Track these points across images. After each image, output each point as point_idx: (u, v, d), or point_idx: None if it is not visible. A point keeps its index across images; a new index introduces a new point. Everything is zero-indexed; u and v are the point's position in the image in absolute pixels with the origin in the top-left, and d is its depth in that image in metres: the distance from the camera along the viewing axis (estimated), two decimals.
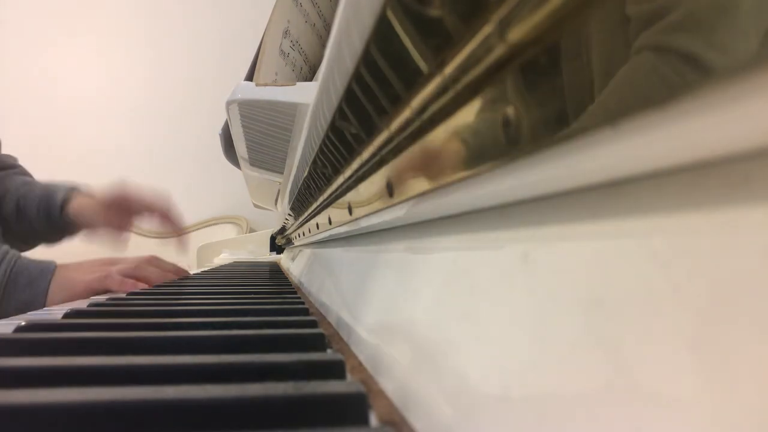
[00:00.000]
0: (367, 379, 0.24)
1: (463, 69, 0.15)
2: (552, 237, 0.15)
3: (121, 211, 0.94)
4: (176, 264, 0.85)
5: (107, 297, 0.55)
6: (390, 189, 0.25)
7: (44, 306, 0.73)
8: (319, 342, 0.29)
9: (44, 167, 2.44)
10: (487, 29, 0.13)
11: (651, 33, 0.09)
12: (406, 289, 0.26)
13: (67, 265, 0.77)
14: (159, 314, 0.41)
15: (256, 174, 0.88)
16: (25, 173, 1.03)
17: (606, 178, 0.12)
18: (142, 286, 0.73)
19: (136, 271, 0.75)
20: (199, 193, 2.68)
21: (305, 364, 0.23)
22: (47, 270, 0.74)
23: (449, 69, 0.15)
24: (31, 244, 1.01)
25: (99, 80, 2.68)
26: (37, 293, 0.73)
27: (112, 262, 0.78)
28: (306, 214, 0.63)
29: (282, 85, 0.61)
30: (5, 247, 0.75)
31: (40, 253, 0.89)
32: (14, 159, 1.02)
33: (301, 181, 0.53)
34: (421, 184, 0.21)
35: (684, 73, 0.08)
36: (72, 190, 0.99)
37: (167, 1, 2.67)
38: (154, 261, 0.79)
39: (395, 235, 0.32)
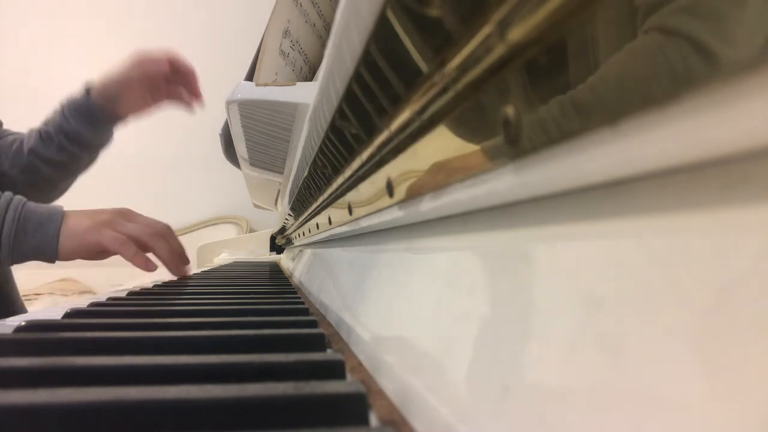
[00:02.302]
0: (367, 379, 0.24)
1: (463, 69, 0.15)
2: (552, 237, 0.15)
3: (146, 82, 0.90)
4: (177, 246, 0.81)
5: (107, 297, 0.55)
6: (390, 189, 0.25)
7: (56, 251, 0.70)
8: (319, 342, 0.29)
9: None
10: (487, 29, 0.13)
11: (651, 32, 0.09)
12: (406, 289, 0.26)
13: (78, 212, 0.74)
14: (159, 314, 0.41)
15: (256, 174, 0.88)
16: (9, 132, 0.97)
17: (606, 178, 0.12)
18: (152, 267, 0.72)
19: (150, 239, 0.73)
20: (199, 193, 2.68)
21: (305, 364, 0.23)
22: (56, 213, 0.71)
23: (449, 69, 0.15)
24: (56, 185, 0.94)
25: None
26: (47, 238, 0.70)
27: (128, 216, 0.75)
28: (306, 214, 0.63)
29: (282, 85, 0.61)
30: (7, 193, 0.71)
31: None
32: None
33: (301, 181, 0.53)
34: (420, 184, 0.21)
35: (685, 72, 0.08)
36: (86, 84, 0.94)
37: (167, 2, 2.67)
38: (167, 234, 0.77)
39: (395, 235, 0.32)
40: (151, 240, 0.73)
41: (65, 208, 0.73)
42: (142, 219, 0.76)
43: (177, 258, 0.77)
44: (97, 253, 0.73)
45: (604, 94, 0.10)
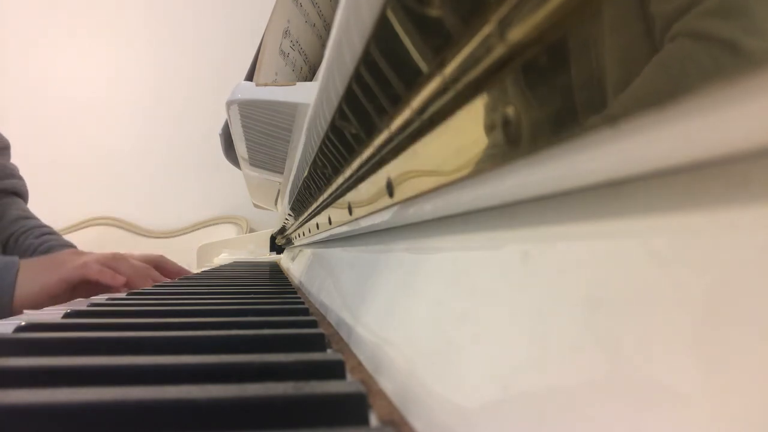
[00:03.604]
0: (367, 379, 0.24)
1: (463, 69, 0.15)
2: (552, 237, 0.15)
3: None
4: (154, 263, 0.79)
5: (107, 297, 0.55)
6: (390, 189, 0.25)
7: (11, 303, 0.67)
8: (319, 342, 0.29)
9: (45, 167, 2.45)
10: (487, 29, 0.13)
11: (651, 32, 0.09)
12: (406, 289, 0.26)
13: (34, 260, 0.72)
14: (159, 314, 0.41)
15: (256, 174, 0.88)
16: (20, 192, 0.97)
17: (606, 178, 0.12)
18: (120, 279, 0.71)
19: (110, 262, 0.72)
20: (199, 193, 2.68)
21: (305, 364, 0.23)
22: (11, 264, 0.69)
23: (449, 69, 0.15)
24: None
25: (99, 80, 2.68)
26: (2, 287, 0.67)
27: (82, 253, 0.74)
28: (306, 214, 0.63)
29: (282, 85, 0.61)
30: None
31: None
32: (17, 170, 0.99)
33: (301, 181, 0.53)
34: (421, 184, 0.21)
35: (684, 72, 0.08)
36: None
37: (167, 2, 2.67)
38: (126, 258, 0.75)
39: (395, 235, 0.32)
40: (110, 262, 0.72)
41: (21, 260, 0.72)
42: (100, 253, 0.75)
43: (141, 277, 0.75)
44: (62, 292, 0.70)
45: (604, 94, 0.10)
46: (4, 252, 0.90)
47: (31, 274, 0.70)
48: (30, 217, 0.95)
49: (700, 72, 0.08)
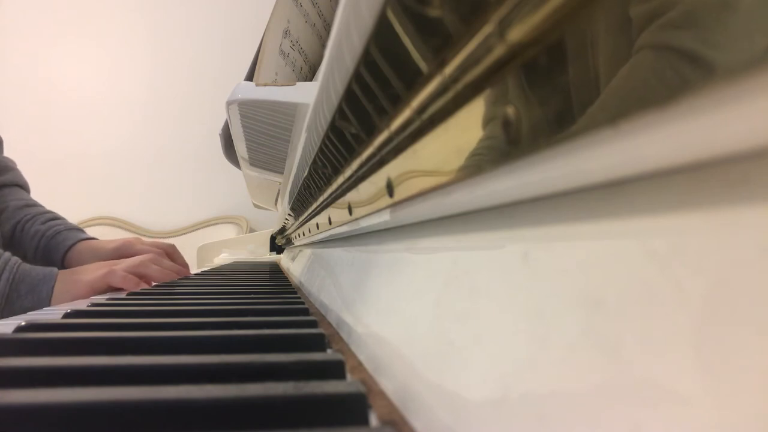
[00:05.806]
0: (367, 379, 0.24)
1: (463, 69, 0.15)
2: (552, 237, 0.15)
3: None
4: (181, 262, 0.83)
5: (107, 297, 0.55)
6: (390, 189, 0.25)
7: None
8: (319, 342, 0.29)
9: (45, 168, 2.45)
10: (487, 29, 0.13)
11: (651, 32, 0.09)
12: (406, 288, 0.26)
13: (70, 270, 0.76)
14: (159, 314, 0.41)
15: (256, 174, 0.88)
16: (20, 183, 0.99)
17: (606, 178, 0.12)
18: (143, 285, 0.73)
19: (138, 268, 0.74)
20: (199, 193, 2.68)
21: (305, 364, 0.23)
22: (49, 276, 0.73)
23: (449, 69, 0.15)
24: None
25: (99, 80, 2.68)
26: (39, 299, 0.71)
27: (115, 262, 0.77)
28: (306, 214, 0.63)
29: (282, 85, 0.61)
30: (6, 254, 0.73)
31: None
32: (13, 162, 1.00)
33: (301, 181, 0.53)
34: (421, 184, 0.21)
35: (684, 73, 0.08)
36: (76, 242, 0.89)
37: (168, 2, 2.67)
38: (156, 260, 0.78)
39: (395, 235, 0.32)
40: (141, 269, 0.74)
41: (58, 271, 0.74)
42: (128, 260, 0.77)
43: (173, 274, 0.78)
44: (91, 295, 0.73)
45: (604, 94, 0.10)
46: (11, 240, 0.91)
47: (64, 285, 0.72)
48: (34, 204, 0.96)
49: (699, 72, 0.08)
